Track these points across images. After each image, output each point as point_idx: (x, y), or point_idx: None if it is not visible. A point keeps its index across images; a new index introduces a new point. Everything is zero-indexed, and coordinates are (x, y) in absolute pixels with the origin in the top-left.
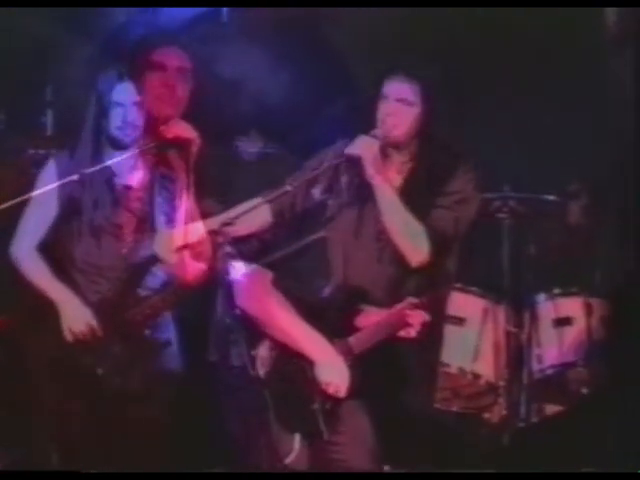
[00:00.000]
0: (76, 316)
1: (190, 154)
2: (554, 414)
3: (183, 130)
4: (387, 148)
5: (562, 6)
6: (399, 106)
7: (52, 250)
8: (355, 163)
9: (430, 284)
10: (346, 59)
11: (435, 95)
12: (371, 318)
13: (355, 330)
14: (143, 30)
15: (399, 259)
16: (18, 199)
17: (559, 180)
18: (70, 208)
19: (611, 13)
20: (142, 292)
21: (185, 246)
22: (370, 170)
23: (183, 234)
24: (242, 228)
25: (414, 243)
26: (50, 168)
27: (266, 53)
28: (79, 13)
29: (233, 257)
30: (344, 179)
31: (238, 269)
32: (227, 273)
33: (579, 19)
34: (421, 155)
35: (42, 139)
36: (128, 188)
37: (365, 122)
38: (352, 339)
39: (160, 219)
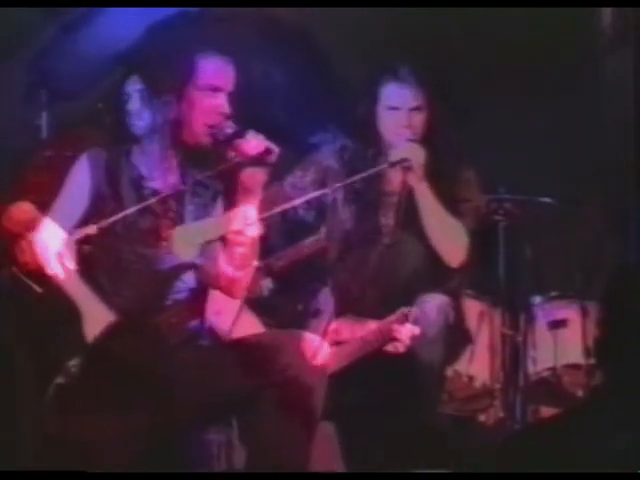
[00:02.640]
0: (100, 321)
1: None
2: (550, 416)
3: (264, 145)
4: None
5: (562, 6)
6: (413, 115)
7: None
8: (403, 170)
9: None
10: (338, 59)
11: (437, 95)
12: (353, 330)
13: (335, 344)
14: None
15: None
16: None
17: (555, 182)
18: (98, 207)
19: (609, 13)
20: (168, 299)
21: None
22: (418, 175)
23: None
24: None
25: (456, 243)
26: (83, 163)
27: (255, 55)
28: (78, 13)
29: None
30: (386, 185)
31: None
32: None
33: (578, 20)
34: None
35: (37, 142)
36: (157, 193)
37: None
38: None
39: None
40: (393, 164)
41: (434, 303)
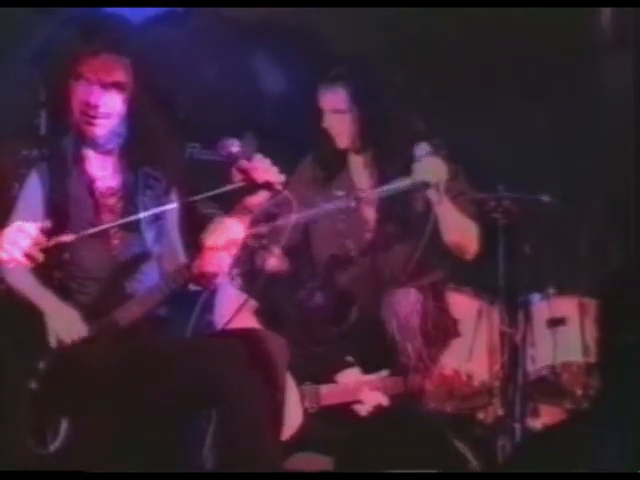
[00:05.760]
0: (64, 323)
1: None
2: (550, 415)
3: (273, 175)
4: (351, 154)
5: (561, 6)
6: (336, 116)
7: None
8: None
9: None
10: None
11: (369, 97)
12: (351, 378)
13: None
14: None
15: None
16: None
17: (554, 180)
18: (54, 216)
19: (609, 13)
20: (131, 290)
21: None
22: (440, 191)
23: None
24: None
25: (470, 237)
26: (33, 179)
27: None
28: (78, 13)
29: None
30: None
31: (226, 288)
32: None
33: (577, 18)
34: (380, 158)
35: (35, 140)
36: (110, 189)
37: None
38: (324, 389)
39: (146, 217)
40: (420, 185)
41: (405, 297)
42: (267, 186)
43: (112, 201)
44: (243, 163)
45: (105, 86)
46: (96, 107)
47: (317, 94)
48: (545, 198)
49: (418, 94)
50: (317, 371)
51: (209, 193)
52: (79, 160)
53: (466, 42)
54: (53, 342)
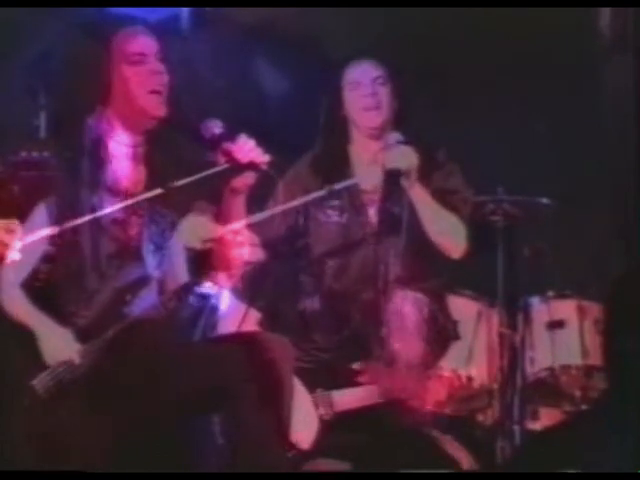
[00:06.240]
0: (57, 345)
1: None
2: (549, 418)
3: (257, 155)
4: (364, 139)
5: (561, 6)
6: (376, 86)
7: (39, 284)
8: (395, 176)
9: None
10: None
11: (403, 81)
12: (372, 375)
13: (353, 384)
14: None
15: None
16: None
17: (554, 183)
18: (58, 247)
19: (608, 14)
20: (127, 312)
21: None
22: (412, 179)
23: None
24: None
25: (455, 236)
26: (40, 213)
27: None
28: (80, 14)
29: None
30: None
31: (227, 300)
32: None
33: (577, 20)
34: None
35: (35, 142)
36: (115, 221)
37: None
38: (336, 395)
39: (149, 247)
40: (389, 173)
41: (407, 299)
42: (252, 166)
43: (116, 231)
44: (227, 145)
45: (160, 59)
46: (161, 76)
47: (345, 70)
48: (545, 200)
49: (418, 96)
50: (328, 378)
51: (193, 177)
52: (90, 196)
53: (466, 44)
54: (47, 360)
